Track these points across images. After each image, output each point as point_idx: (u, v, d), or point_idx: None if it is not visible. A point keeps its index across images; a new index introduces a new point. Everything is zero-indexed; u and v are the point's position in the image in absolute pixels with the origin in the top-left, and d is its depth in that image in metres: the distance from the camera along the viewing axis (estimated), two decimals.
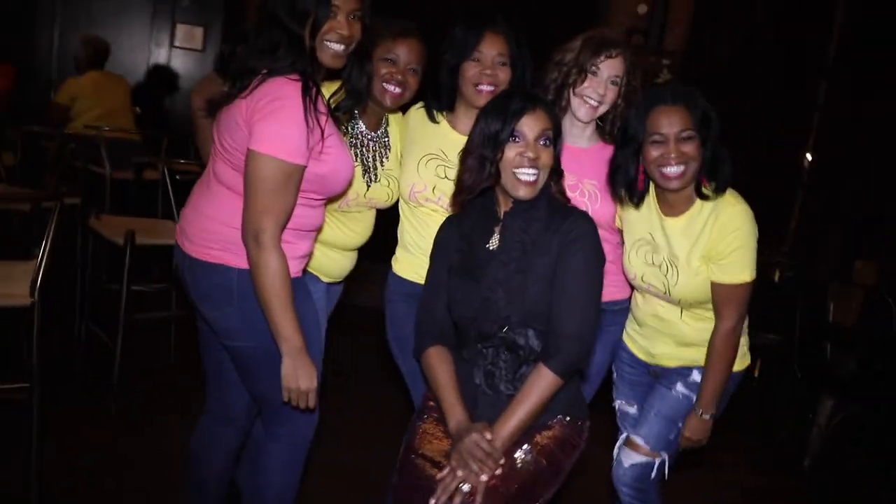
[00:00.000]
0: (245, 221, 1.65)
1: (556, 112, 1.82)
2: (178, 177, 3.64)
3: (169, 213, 3.60)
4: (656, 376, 2.13)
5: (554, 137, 1.75)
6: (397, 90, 2.07)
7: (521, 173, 1.70)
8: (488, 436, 1.65)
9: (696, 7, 6.01)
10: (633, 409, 2.21)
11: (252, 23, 1.71)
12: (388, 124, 2.23)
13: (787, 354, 3.75)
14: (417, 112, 2.23)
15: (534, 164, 1.70)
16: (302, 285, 1.85)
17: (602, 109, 2.08)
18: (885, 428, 3.45)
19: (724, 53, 6.01)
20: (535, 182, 1.71)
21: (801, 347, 3.65)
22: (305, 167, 1.67)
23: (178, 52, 6.07)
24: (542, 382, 1.67)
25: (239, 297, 1.72)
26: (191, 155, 4.95)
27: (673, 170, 1.86)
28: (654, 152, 1.88)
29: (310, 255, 1.88)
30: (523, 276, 1.71)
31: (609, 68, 2.05)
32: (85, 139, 4.53)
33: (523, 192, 1.71)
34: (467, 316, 1.76)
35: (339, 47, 1.74)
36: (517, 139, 1.70)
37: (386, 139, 2.21)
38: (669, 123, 1.85)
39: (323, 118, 1.67)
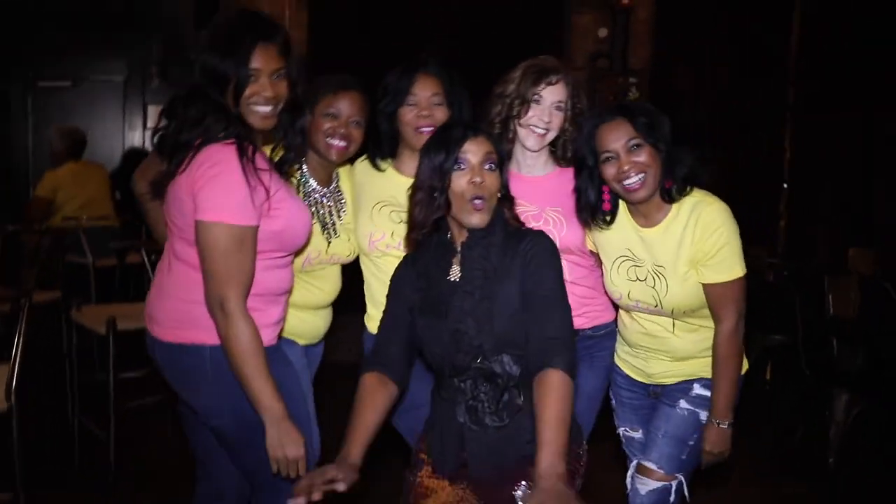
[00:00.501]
0: (208, 293, 1.63)
1: (496, 137, 1.81)
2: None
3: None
4: (657, 396, 2.07)
5: (499, 162, 1.74)
6: (342, 144, 2.06)
7: (470, 199, 1.69)
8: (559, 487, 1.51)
9: (655, 24, 6.10)
10: (638, 434, 2.14)
11: (179, 94, 1.71)
12: (338, 178, 2.22)
13: (794, 354, 3.68)
14: (362, 163, 2.23)
15: (482, 189, 1.69)
16: (279, 353, 1.81)
17: (550, 136, 2.08)
18: None
19: (688, 65, 6.09)
20: (485, 208, 1.70)
21: (806, 345, 3.58)
22: (257, 227, 1.65)
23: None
24: (554, 388, 1.58)
25: (214, 374, 1.68)
26: None
27: (633, 181, 1.84)
28: (610, 170, 1.87)
29: (283, 321, 1.84)
30: (490, 302, 1.68)
31: (551, 95, 2.05)
32: (64, 232, 4.54)
33: (476, 220, 1.69)
34: (438, 352, 1.72)
35: (265, 109, 1.72)
36: (462, 165, 1.70)
37: (339, 193, 2.20)
38: (615, 138, 1.85)
39: (265, 175, 1.65)
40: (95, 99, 6.06)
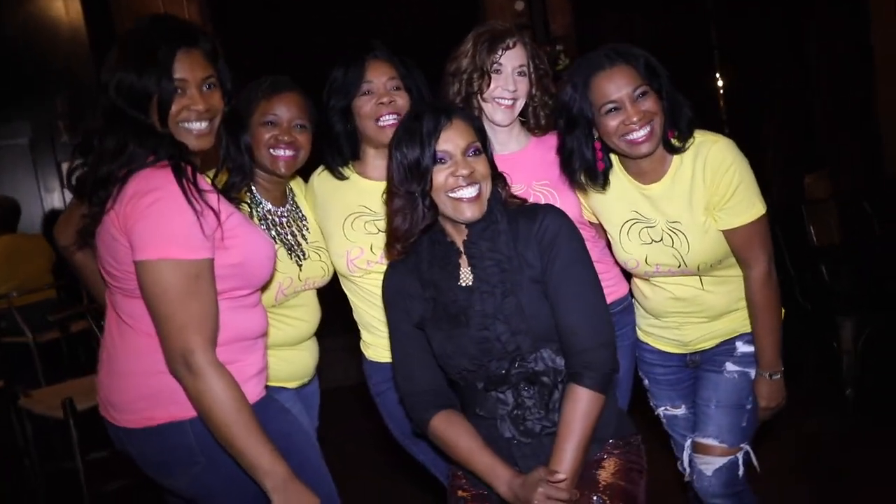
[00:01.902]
0: (166, 349, 1.36)
1: (473, 115, 1.61)
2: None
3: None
4: (696, 365, 1.89)
5: (482, 142, 1.54)
6: (289, 153, 1.82)
7: (460, 193, 1.49)
8: (560, 476, 1.43)
9: None
10: (681, 411, 1.96)
11: (93, 125, 1.43)
12: (293, 194, 1.97)
13: (787, 289, 3.57)
14: (321, 177, 1.98)
15: (471, 179, 1.49)
16: (272, 402, 1.56)
17: (519, 105, 1.87)
18: None
19: (611, 27, 5.99)
20: (478, 197, 1.50)
21: (799, 277, 3.47)
22: (212, 260, 1.38)
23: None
24: (581, 405, 1.47)
25: (203, 450, 1.42)
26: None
27: (640, 133, 1.65)
28: (611, 123, 1.66)
29: (266, 368, 1.57)
30: (515, 298, 1.49)
31: (511, 60, 1.84)
32: None
33: (470, 213, 1.50)
34: (467, 367, 1.51)
35: (199, 126, 1.46)
36: (443, 160, 1.50)
37: (298, 211, 1.95)
38: (617, 87, 1.65)
39: (212, 197, 1.40)
40: (2, 166, 5.61)
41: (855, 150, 5.45)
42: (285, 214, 1.90)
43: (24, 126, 5.75)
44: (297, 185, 2.00)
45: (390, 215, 1.56)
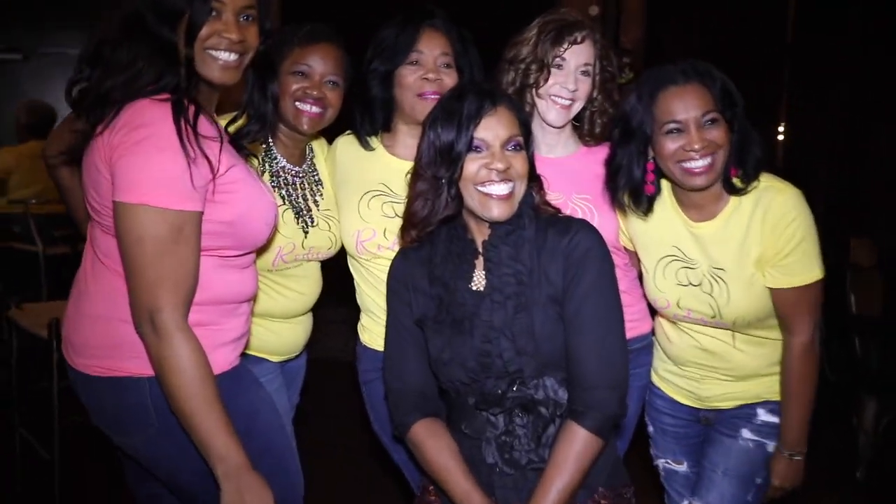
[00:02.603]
0: (133, 303, 1.23)
1: (521, 106, 1.45)
2: None
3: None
4: (708, 423, 1.73)
5: (525, 138, 1.39)
6: (315, 110, 1.68)
7: (491, 188, 1.34)
8: None
9: (647, 3, 5.80)
10: (682, 468, 1.80)
11: (108, 33, 1.29)
12: (313, 154, 1.82)
13: None
14: (346, 142, 1.82)
15: (505, 176, 1.34)
16: (245, 375, 1.43)
17: (576, 108, 1.70)
18: None
19: (682, 46, 5.79)
20: (510, 196, 1.35)
21: (828, 347, 3.26)
22: (199, 213, 1.25)
23: None
24: (577, 446, 1.33)
25: (159, 414, 1.29)
26: None
27: (699, 164, 1.48)
28: (670, 145, 1.50)
29: (247, 335, 1.45)
30: (527, 314, 1.34)
31: (576, 57, 1.67)
32: (8, 218, 4.09)
33: (498, 212, 1.35)
34: (461, 379, 1.37)
35: (228, 57, 1.32)
36: (479, 149, 1.35)
37: (315, 174, 1.81)
38: (685, 107, 1.48)
39: (211, 145, 1.26)
40: (47, 73, 5.54)
41: None
42: (300, 175, 1.77)
43: (76, 36, 5.68)
44: (319, 145, 1.86)
45: (411, 197, 1.42)
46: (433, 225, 1.40)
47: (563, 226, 1.38)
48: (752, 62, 5.64)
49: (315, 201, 1.77)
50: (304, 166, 1.78)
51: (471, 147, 1.34)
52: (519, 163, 1.36)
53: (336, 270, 1.89)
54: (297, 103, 1.66)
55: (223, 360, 1.33)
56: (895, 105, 4.97)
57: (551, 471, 1.32)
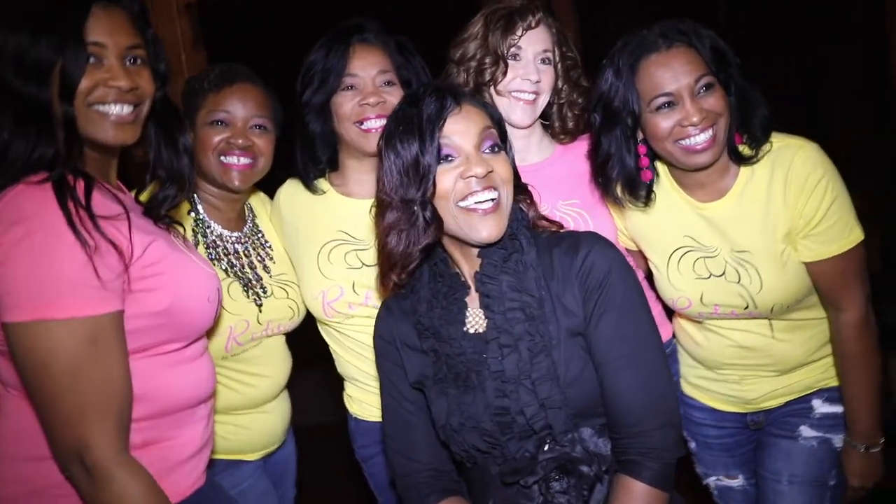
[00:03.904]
0: (54, 442, 0.98)
1: (487, 103, 1.22)
2: None
3: None
4: (759, 427, 1.51)
5: (501, 138, 1.16)
6: (244, 161, 1.45)
7: (474, 200, 1.10)
8: None
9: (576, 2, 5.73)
10: (738, 482, 1.57)
11: None
12: (254, 214, 1.58)
13: None
14: (289, 190, 1.58)
15: (487, 182, 1.10)
16: (213, 495, 1.17)
17: (542, 102, 1.48)
18: None
19: (613, 26, 5.73)
20: (497, 207, 1.11)
21: None
22: (119, 313, 1.00)
23: None
24: None
25: None
26: None
27: (699, 139, 1.27)
28: (664, 123, 1.28)
29: (210, 444, 1.18)
30: (546, 356, 1.10)
31: (533, 44, 1.45)
32: None
33: (487, 231, 1.10)
34: (478, 446, 1.12)
35: (121, 110, 1.07)
36: (449, 157, 1.11)
37: (259, 236, 1.56)
38: (675, 75, 1.27)
39: (115, 225, 1.00)
40: None
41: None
42: (242, 240, 1.52)
43: None
44: (258, 202, 1.62)
45: (381, 235, 1.17)
46: (416, 259, 1.15)
47: (570, 244, 1.14)
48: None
49: (265, 267, 1.51)
50: (244, 230, 1.53)
51: (440, 156, 1.10)
52: (500, 165, 1.12)
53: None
54: (221, 157, 1.42)
55: (183, 482, 1.07)
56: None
57: None
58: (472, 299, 1.17)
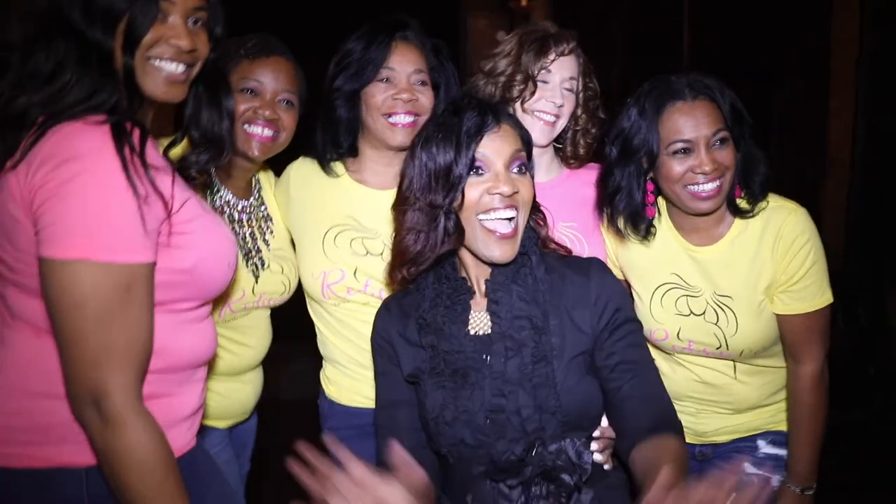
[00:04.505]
0: (71, 383, 0.97)
1: (522, 125, 1.27)
2: None
3: None
4: (705, 458, 1.60)
5: (528, 160, 1.22)
6: (267, 133, 1.46)
7: (494, 220, 1.17)
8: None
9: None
10: None
11: (18, 35, 1.03)
12: (260, 186, 1.59)
13: None
14: (301, 169, 1.60)
15: (511, 202, 1.17)
16: (202, 458, 1.18)
17: (560, 125, 1.55)
18: None
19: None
20: (514, 234, 1.18)
21: None
22: (153, 265, 1.00)
23: None
24: (677, 457, 1.09)
25: None
26: None
27: (707, 187, 1.37)
28: (677, 167, 1.37)
29: (202, 408, 1.19)
30: (547, 365, 1.16)
31: (561, 70, 1.52)
32: None
33: (500, 253, 1.17)
34: (467, 441, 1.17)
35: (176, 68, 1.09)
36: (480, 170, 1.17)
37: (263, 208, 1.57)
38: (696, 125, 1.36)
39: (164, 178, 1.02)
40: None
41: None
42: (247, 210, 1.53)
43: None
44: (265, 176, 1.63)
45: (399, 232, 1.22)
46: (427, 262, 1.20)
47: (579, 267, 1.23)
48: (654, 30, 5.74)
49: (265, 240, 1.53)
50: (251, 200, 1.54)
51: (472, 168, 1.16)
52: (525, 187, 1.19)
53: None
54: (245, 126, 1.44)
55: (179, 440, 1.09)
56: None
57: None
58: (476, 303, 1.23)
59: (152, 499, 0.96)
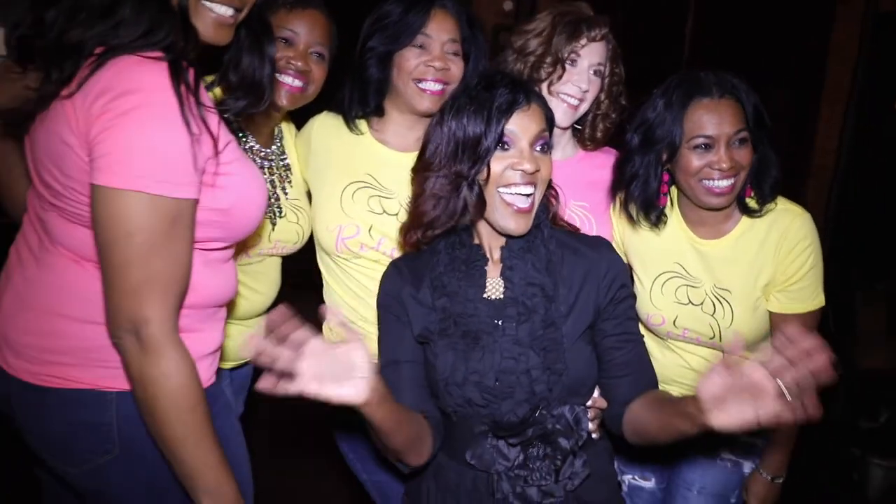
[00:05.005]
0: (112, 309, 1.00)
1: (549, 106, 1.30)
2: None
3: None
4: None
5: (550, 140, 1.27)
6: (297, 83, 1.49)
7: (513, 195, 1.21)
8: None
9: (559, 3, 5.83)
10: (649, 484, 1.74)
11: None
12: (282, 136, 1.61)
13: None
14: (325, 123, 1.62)
15: (532, 179, 1.21)
16: (219, 394, 1.22)
17: (583, 109, 1.59)
18: None
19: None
20: (531, 209, 1.23)
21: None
22: (196, 201, 1.03)
23: None
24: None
25: (122, 438, 1.07)
26: None
27: (722, 183, 1.42)
28: (696, 161, 1.42)
29: (221, 347, 1.22)
30: (556, 331, 1.21)
31: (590, 55, 1.55)
32: None
33: (515, 225, 1.22)
34: (476, 401, 1.22)
35: (224, 11, 1.11)
36: (506, 145, 1.20)
37: (284, 158, 1.60)
38: (719, 122, 1.40)
39: (214, 119, 1.04)
40: None
41: None
42: (269, 157, 1.55)
43: None
44: (287, 127, 1.65)
45: (418, 195, 1.25)
46: (443, 228, 1.24)
47: (591, 243, 1.29)
48: (654, 64, 5.77)
49: (283, 189, 1.56)
50: (272, 148, 1.56)
51: (499, 143, 1.19)
52: (545, 166, 1.23)
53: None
54: (276, 74, 1.45)
55: (202, 375, 1.11)
56: None
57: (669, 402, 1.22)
58: (491, 269, 1.27)
59: (182, 424, 1.00)
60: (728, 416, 1.00)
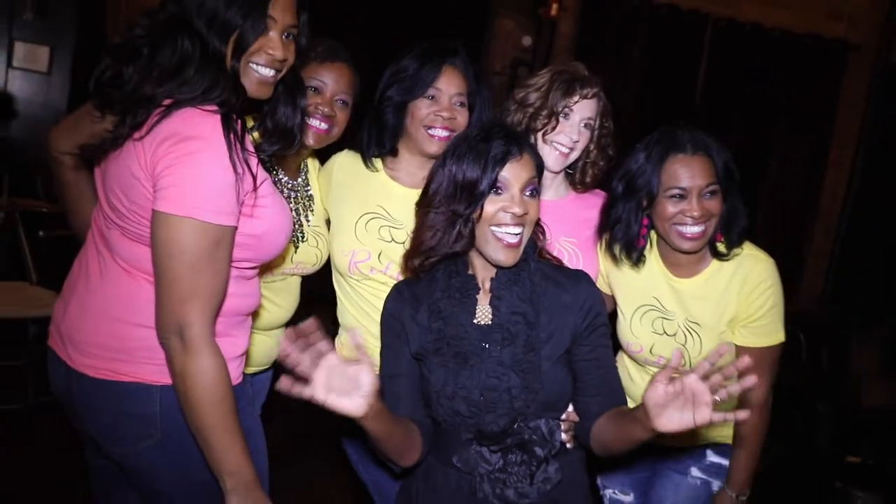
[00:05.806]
0: (162, 314, 1.21)
1: (539, 154, 1.49)
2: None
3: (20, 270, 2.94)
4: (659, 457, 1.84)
5: (538, 186, 1.45)
6: (323, 126, 1.70)
7: (503, 232, 1.38)
8: None
9: (577, 38, 5.98)
10: (629, 498, 1.90)
11: (144, 29, 1.25)
12: (307, 170, 1.82)
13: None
14: (345, 160, 1.83)
15: (520, 221, 1.39)
16: (244, 392, 1.42)
17: (573, 157, 1.79)
18: None
19: (607, 82, 6.00)
20: (519, 244, 1.40)
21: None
22: (235, 228, 1.24)
23: (17, 73, 5.23)
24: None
25: (164, 425, 1.27)
26: (38, 193, 4.21)
27: (693, 229, 1.60)
28: (671, 209, 1.61)
29: (247, 353, 1.43)
30: (535, 355, 1.39)
31: (583, 110, 1.75)
32: None
33: (504, 257, 1.39)
34: (462, 412, 1.40)
35: (267, 73, 1.33)
36: (500, 190, 1.39)
37: (308, 189, 1.80)
38: (692, 176, 1.59)
39: (254, 161, 1.26)
40: None
41: None
42: (295, 189, 1.76)
43: None
44: (312, 162, 1.86)
45: (420, 227, 1.44)
46: (437, 256, 1.42)
47: (571, 276, 1.47)
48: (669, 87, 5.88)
49: (306, 216, 1.76)
50: (298, 181, 1.78)
51: (493, 187, 1.38)
52: (533, 209, 1.41)
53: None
54: (306, 118, 1.65)
55: (232, 374, 1.31)
56: None
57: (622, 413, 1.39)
58: (482, 297, 1.44)
59: (213, 413, 1.19)
60: (669, 420, 1.20)
